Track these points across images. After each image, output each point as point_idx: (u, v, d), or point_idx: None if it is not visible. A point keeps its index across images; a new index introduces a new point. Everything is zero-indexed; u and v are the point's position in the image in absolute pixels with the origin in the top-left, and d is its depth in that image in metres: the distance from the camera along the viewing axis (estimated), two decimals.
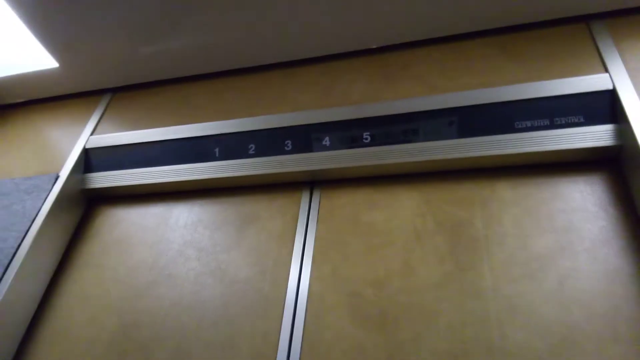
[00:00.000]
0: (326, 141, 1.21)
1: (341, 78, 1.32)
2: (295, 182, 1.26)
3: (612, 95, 1.02)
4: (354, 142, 1.19)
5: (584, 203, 1.00)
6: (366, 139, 1.18)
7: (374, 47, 1.33)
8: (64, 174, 1.38)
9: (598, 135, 1.00)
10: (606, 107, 1.02)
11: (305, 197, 1.23)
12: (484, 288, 0.95)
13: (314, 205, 1.21)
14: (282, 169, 1.22)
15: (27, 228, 1.27)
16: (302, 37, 1.31)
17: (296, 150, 1.23)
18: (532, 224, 1.00)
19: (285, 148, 1.24)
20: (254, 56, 1.40)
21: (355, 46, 1.33)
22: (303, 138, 1.24)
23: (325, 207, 1.20)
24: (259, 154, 1.26)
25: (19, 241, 1.24)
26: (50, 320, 1.23)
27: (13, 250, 1.23)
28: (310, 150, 1.22)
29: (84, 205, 1.43)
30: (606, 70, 1.06)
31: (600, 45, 1.10)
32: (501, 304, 0.92)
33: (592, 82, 1.05)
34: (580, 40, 1.13)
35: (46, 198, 1.33)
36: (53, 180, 1.37)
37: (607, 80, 1.04)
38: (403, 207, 1.12)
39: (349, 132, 1.20)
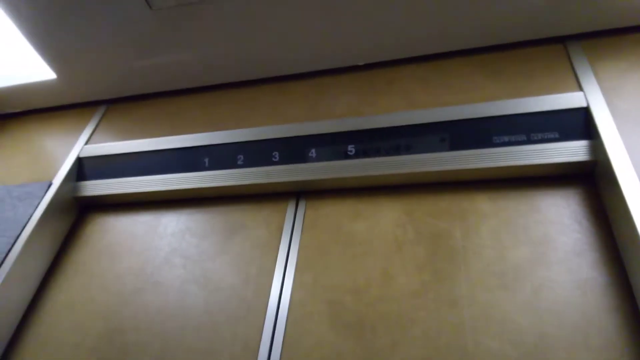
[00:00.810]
0: (312, 153, 1.25)
1: (328, 93, 1.36)
2: (282, 192, 1.29)
3: (586, 113, 1.06)
4: (340, 155, 1.22)
5: (559, 216, 1.03)
6: (351, 151, 1.21)
7: (361, 63, 1.37)
8: (57, 181, 1.41)
9: (573, 151, 1.03)
10: (581, 124, 1.06)
11: (291, 207, 1.26)
12: (460, 297, 0.97)
13: (299, 215, 1.24)
14: (269, 179, 1.25)
15: (17, 234, 1.29)
16: (292, 53, 1.36)
17: (283, 161, 1.26)
18: (508, 235, 1.03)
19: (273, 159, 1.27)
20: (245, 71, 1.45)
21: (343, 62, 1.38)
22: (290, 150, 1.27)
23: (310, 217, 1.22)
24: (247, 164, 1.29)
25: (9, 247, 1.26)
26: (36, 325, 1.24)
27: (3, 256, 1.25)
28: (297, 162, 1.25)
29: (75, 213, 1.45)
30: (581, 89, 1.10)
31: (575, 64, 1.15)
32: (476, 312, 0.94)
33: (568, 100, 1.09)
34: (557, 60, 1.18)
35: (38, 205, 1.36)
36: (46, 188, 1.40)
37: (582, 98, 1.08)
38: (385, 217, 1.15)
39: (335, 145, 1.24)
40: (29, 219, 1.32)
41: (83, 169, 1.47)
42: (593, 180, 1.05)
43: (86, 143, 1.53)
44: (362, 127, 1.23)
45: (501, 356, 0.88)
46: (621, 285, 0.90)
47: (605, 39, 1.16)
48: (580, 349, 0.86)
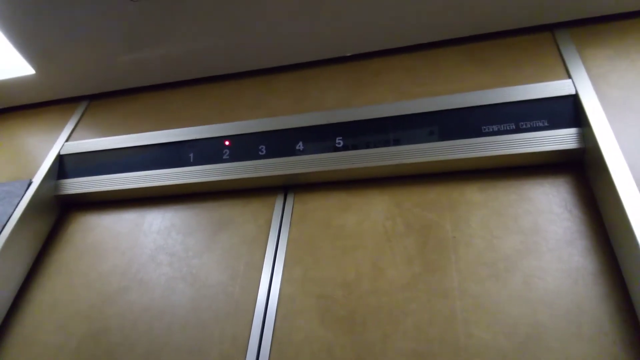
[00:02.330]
0: (300, 146, 1.23)
1: (315, 85, 1.34)
2: (269, 186, 1.27)
3: (575, 100, 1.05)
4: (328, 147, 1.20)
5: (549, 205, 1.02)
6: (339, 143, 1.19)
7: (348, 54, 1.35)
8: (37, 179, 1.37)
9: (562, 139, 1.02)
10: (569, 111, 1.05)
11: (279, 202, 1.24)
12: (451, 288, 0.96)
13: (288, 209, 1.22)
14: (256, 173, 1.22)
15: None
16: (278, 45, 1.33)
17: (270, 155, 1.24)
18: (499, 225, 1.02)
19: (260, 153, 1.25)
20: (230, 64, 1.42)
21: (329, 54, 1.35)
22: (277, 143, 1.25)
23: (299, 211, 1.20)
24: (233, 158, 1.26)
25: None
26: (18, 327, 1.20)
27: None
28: (284, 155, 1.22)
29: (57, 212, 1.41)
30: (569, 77, 1.09)
31: (564, 52, 1.14)
32: (468, 303, 0.93)
33: (556, 88, 1.08)
34: (545, 48, 1.17)
35: (18, 204, 1.31)
36: (25, 186, 1.35)
37: (570, 86, 1.07)
38: (374, 210, 1.13)
39: (322, 137, 1.22)
40: (9, 218, 1.28)
41: (64, 166, 1.43)
42: (582, 168, 1.04)
43: (67, 140, 1.49)
44: (350, 118, 1.21)
45: (494, 347, 0.87)
46: (612, 273, 0.90)
47: (592, 27, 1.15)
48: (572, 337, 0.85)
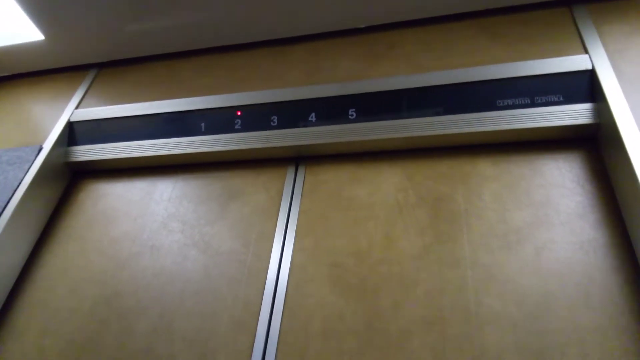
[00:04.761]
0: (312, 117, 1.22)
1: (329, 56, 1.33)
2: (281, 157, 1.27)
3: (591, 75, 1.05)
4: (340, 119, 1.20)
5: (561, 179, 1.02)
6: (351, 115, 1.19)
7: (362, 26, 1.34)
8: (48, 146, 1.37)
9: (576, 114, 1.03)
10: (585, 86, 1.05)
11: (290, 173, 1.24)
12: (463, 258, 0.97)
13: (299, 180, 1.22)
14: (267, 144, 1.22)
15: (8, 199, 1.26)
16: (292, 15, 1.32)
17: (282, 125, 1.23)
18: (511, 198, 1.03)
19: (272, 124, 1.25)
20: (243, 34, 1.40)
21: (343, 25, 1.34)
22: (289, 114, 1.25)
23: (310, 182, 1.21)
24: (244, 129, 1.26)
25: (0, 211, 1.23)
26: (30, 290, 1.22)
27: None
28: (296, 126, 1.22)
29: (67, 178, 1.42)
30: (586, 52, 1.08)
31: (581, 28, 1.13)
32: (478, 273, 0.94)
33: (572, 63, 1.07)
34: (562, 23, 1.16)
35: (29, 169, 1.32)
36: (36, 152, 1.35)
37: (587, 61, 1.06)
38: (386, 182, 1.14)
39: (334, 109, 1.21)
40: (20, 183, 1.29)
41: (74, 133, 1.43)
42: (596, 143, 1.05)
43: (77, 107, 1.49)
44: (363, 90, 1.21)
45: (504, 315, 0.89)
46: (622, 245, 0.91)
47: (610, 3, 1.14)
48: (581, 307, 0.87)
